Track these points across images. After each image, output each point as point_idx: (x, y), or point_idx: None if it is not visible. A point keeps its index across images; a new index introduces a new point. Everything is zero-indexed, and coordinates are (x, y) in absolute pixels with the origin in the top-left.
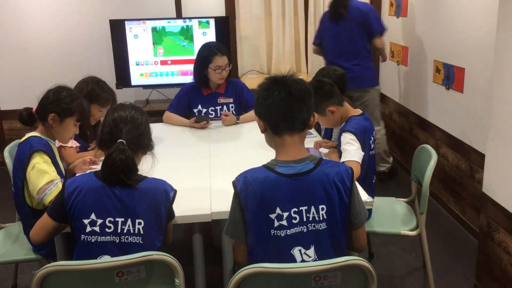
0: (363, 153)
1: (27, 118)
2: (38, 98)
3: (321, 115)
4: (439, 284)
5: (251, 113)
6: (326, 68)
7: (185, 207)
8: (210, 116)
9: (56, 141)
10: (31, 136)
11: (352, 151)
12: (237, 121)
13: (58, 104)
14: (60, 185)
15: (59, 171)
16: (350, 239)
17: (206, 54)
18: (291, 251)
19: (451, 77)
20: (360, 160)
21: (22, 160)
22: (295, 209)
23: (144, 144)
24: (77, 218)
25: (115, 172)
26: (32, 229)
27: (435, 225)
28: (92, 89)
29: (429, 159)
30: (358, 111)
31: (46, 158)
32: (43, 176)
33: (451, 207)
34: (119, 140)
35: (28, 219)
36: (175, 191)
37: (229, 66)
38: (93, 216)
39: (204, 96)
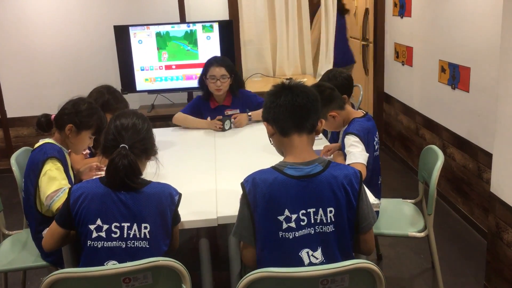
0: (367, 154)
1: (44, 124)
2: (59, 105)
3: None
4: (448, 286)
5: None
6: (333, 71)
7: (191, 212)
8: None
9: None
10: (45, 143)
11: (356, 153)
12: (249, 116)
13: (77, 116)
14: (67, 192)
15: (70, 179)
16: (358, 242)
17: (205, 65)
18: (299, 253)
19: (456, 76)
20: (365, 162)
21: (36, 166)
22: (303, 211)
23: (147, 149)
24: (83, 224)
25: (118, 177)
26: (43, 239)
27: (443, 226)
28: (108, 99)
29: (436, 160)
30: (361, 113)
31: (59, 165)
32: (52, 183)
33: (459, 208)
34: (121, 145)
35: (37, 225)
36: (180, 195)
37: (229, 78)
38: (99, 222)
39: (212, 109)
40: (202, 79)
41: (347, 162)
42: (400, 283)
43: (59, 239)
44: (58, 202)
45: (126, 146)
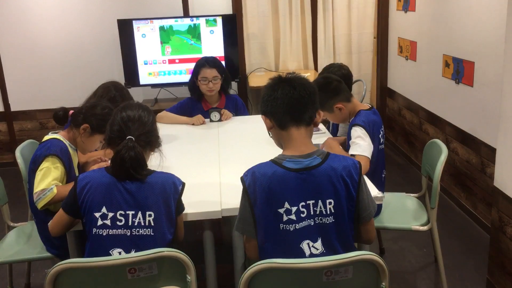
0: (372, 147)
1: (62, 118)
2: (84, 98)
3: (328, 112)
4: (451, 280)
5: None
6: (331, 67)
7: (195, 204)
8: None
9: None
10: (52, 138)
11: (362, 145)
12: (233, 114)
13: (96, 118)
14: (55, 190)
15: (73, 176)
16: (359, 232)
17: (196, 66)
18: (300, 245)
19: (460, 71)
20: (370, 155)
21: (37, 160)
22: (303, 203)
23: (152, 141)
24: (88, 212)
25: (124, 168)
26: (50, 222)
27: (446, 220)
28: (114, 96)
29: (440, 154)
30: (367, 106)
31: (58, 164)
32: (43, 181)
33: (462, 202)
34: (128, 137)
35: (41, 217)
36: (184, 184)
37: (220, 79)
38: (104, 210)
39: (205, 111)
40: (193, 81)
41: (351, 153)
42: (403, 277)
43: (65, 225)
44: (44, 201)
45: (133, 138)
